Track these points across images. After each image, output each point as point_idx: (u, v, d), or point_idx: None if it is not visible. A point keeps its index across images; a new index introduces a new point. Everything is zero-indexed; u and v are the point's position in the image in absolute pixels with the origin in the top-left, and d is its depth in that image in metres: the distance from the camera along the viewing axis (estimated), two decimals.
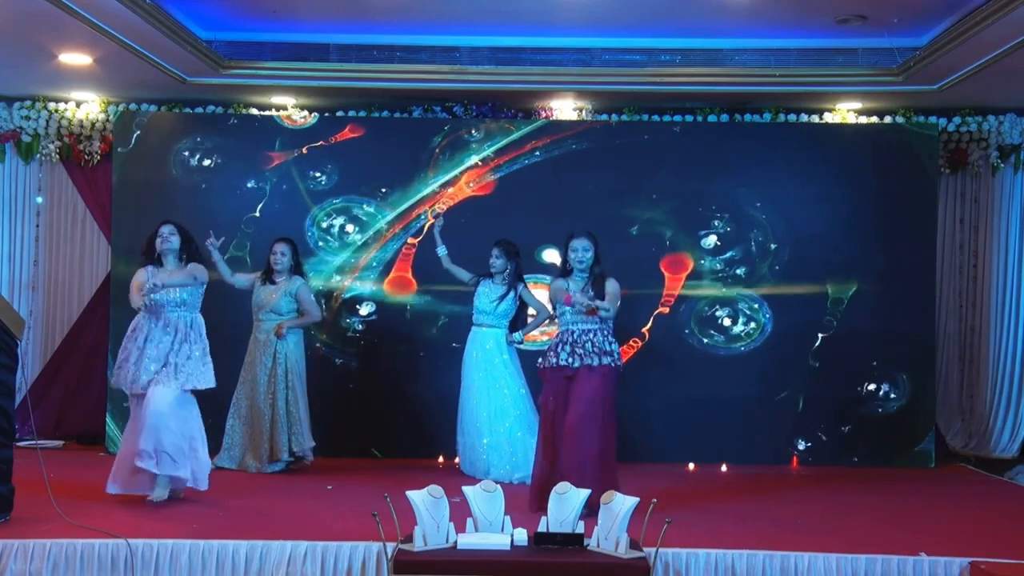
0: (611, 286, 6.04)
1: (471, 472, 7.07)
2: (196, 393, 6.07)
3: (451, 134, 8.35)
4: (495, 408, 7.09)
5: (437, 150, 8.31)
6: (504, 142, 8.32)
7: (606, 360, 5.91)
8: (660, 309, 8.18)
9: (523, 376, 7.22)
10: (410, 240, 8.26)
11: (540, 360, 6.15)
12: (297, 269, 7.44)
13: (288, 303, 7.30)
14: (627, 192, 8.26)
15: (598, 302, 5.91)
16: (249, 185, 8.29)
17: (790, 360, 8.17)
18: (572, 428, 5.81)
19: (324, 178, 8.32)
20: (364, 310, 8.29)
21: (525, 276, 7.48)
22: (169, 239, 6.12)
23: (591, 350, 5.92)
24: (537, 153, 8.31)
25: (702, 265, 8.25)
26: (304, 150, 8.31)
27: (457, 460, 7.37)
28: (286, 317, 7.30)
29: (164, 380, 5.89)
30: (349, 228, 8.30)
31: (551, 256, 8.08)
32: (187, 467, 5.95)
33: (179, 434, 5.91)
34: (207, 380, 6.10)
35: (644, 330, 8.18)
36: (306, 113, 8.54)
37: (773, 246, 8.23)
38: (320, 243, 8.29)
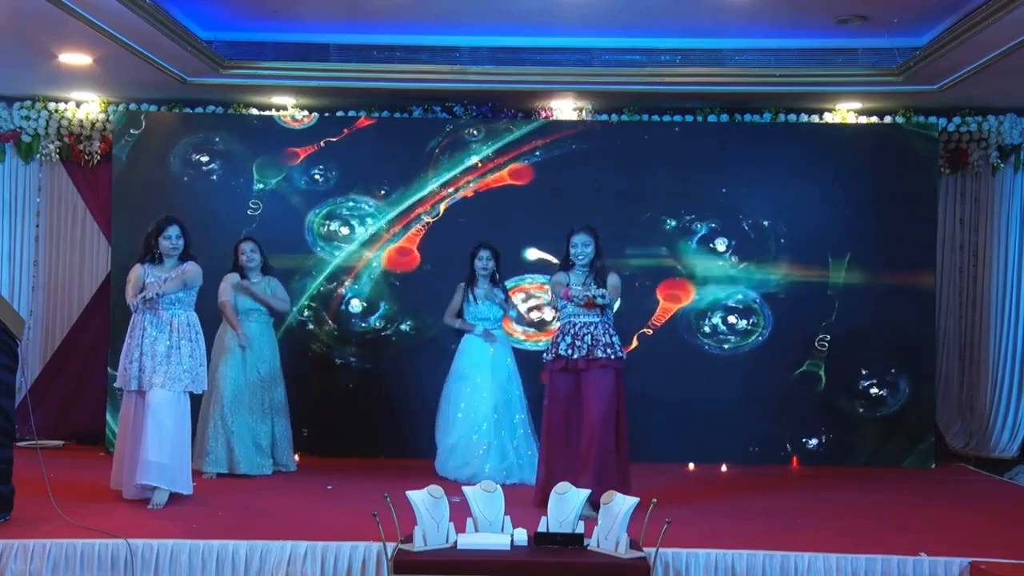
0: (612, 279, 6.09)
1: (453, 474, 6.94)
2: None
3: (451, 134, 8.35)
4: (503, 410, 7.05)
5: (437, 150, 8.31)
6: (504, 142, 8.32)
7: (608, 352, 5.92)
8: (644, 330, 8.17)
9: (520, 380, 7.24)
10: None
11: (544, 354, 6.20)
12: (267, 267, 7.36)
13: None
14: (627, 192, 8.26)
15: (596, 290, 5.92)
16: (249, 185, 8.28)
17: (790, 360, 8.17)
18: (594, 427, 5.83)
19: (324, 178, 8.32)
20: (364, 310, 8.28)
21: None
22: (176, 243, 6.07)
23: (591, 342, 5.94)
24: (537, 153, 8.32)
25: (702, 265, 8.25)
26: (303, 148, 8.32)
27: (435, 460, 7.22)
28: (266, 313, 7.28)
29: (168, 384, 5.89)
30: (349, 228, 8.29)
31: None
32: (188, 477, 6.02)
33: (182, 444, 5.96)
34: (204, 383, 6.15)
35: (644, 330, 8.20)
36: (306, 113, 8.54)
37: (773, 246, 8.24)
38: (320, 243, 8.29)
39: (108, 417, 8.12)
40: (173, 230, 6.07)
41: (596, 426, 5.84)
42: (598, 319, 6.02)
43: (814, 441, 8.17)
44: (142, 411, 5.90)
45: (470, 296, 7.20)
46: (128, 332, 6.04)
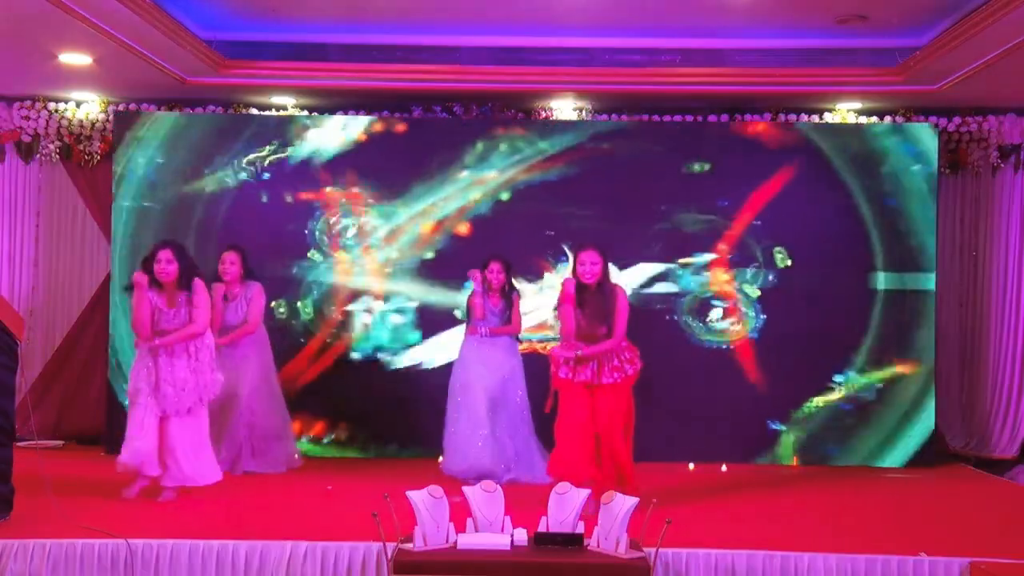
0: (620, 301, 6.03)
1: (455, 470, 6.90)
2: None
3: (451, 135, 8.34)
4: (501, 406, 7.03)
5: (437, 151, 8.30)
6: (504, 144, 8.30)
7: (616, 376, 5.99)
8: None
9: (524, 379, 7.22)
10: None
11: (562, 372, 6.10)
12: (249, 275, 7.25)
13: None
14: (627, 192, 8.25)
15: (584, 352, 5.94)
16: (248, 185, 8.27)
17: (790, 360, 8.16)
18: (604, 438, 5.93)
19: (324, 178, 8.30)
20: (364, 311, 8.28)
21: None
22: (167, 268, 6.02)
23: (596, 366, 5.99)
24: (537, 154, 8.31)
25: (701, 264, 8.25)
26: (302, 149, 8.32)
27: (440, 459, 7.20)
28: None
29: (192, 406, 6.01)
30: (350, 230, 8.29)
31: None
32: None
33: (207, 447, 6.17)
34: (217, 387, 6.22)
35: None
36: (306, 113, 8.53)
37: (772, 246, 8.23)
38: (321, 244, 8.29)
39: (108, 417, 8.11)
40: (163, 254, 6.04)
41: (606, 436, 5.94)
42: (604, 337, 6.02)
43: (814, 441, 8.16)
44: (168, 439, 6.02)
45: (476, 301, 7.15)
46: (136, 361, 6.14)
